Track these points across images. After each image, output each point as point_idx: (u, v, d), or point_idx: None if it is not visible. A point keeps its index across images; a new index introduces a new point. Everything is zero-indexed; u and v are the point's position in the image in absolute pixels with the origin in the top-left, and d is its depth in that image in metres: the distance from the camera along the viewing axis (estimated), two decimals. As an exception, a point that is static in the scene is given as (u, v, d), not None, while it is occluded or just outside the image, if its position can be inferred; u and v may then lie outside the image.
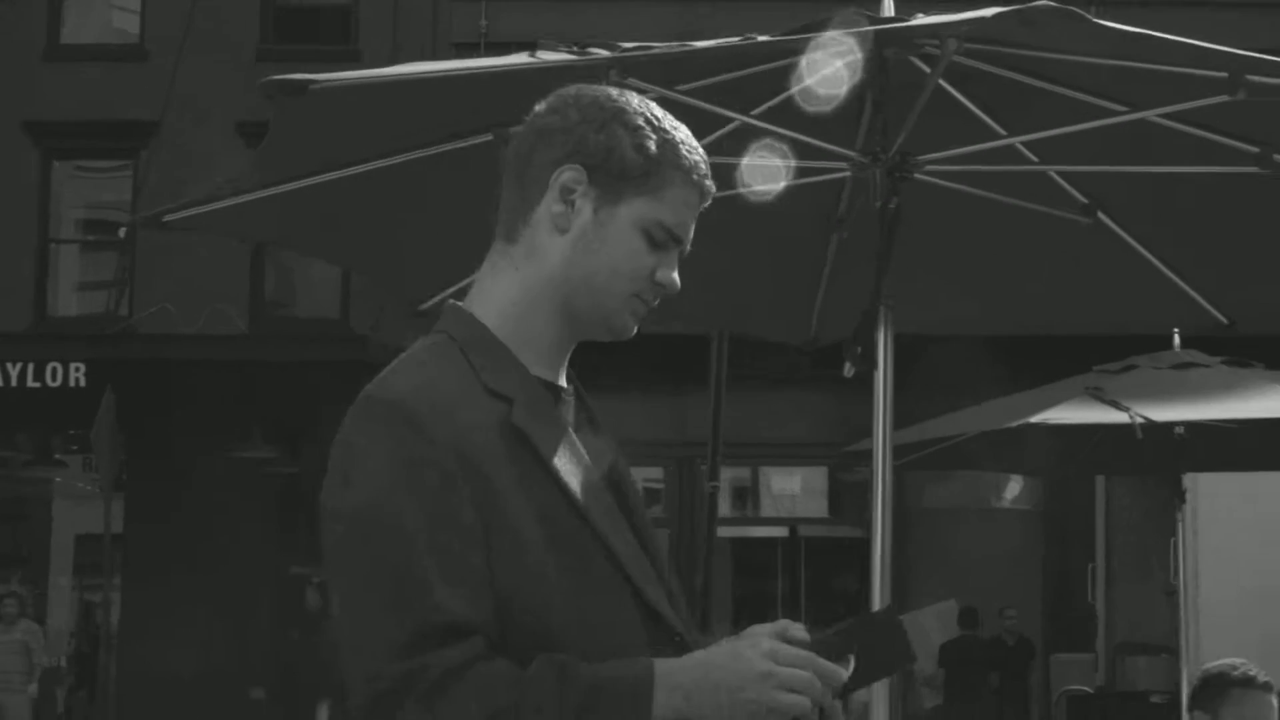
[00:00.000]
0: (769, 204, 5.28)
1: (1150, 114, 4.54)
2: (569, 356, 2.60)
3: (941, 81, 4.83)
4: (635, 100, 2.55)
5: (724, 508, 22.87)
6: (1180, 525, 9.70)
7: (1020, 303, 5.96)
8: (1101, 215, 5.34)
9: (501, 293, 2.54)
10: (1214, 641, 14.34)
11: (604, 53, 4.18)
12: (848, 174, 4.89)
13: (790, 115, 4.88)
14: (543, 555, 2.34)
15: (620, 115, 2.53)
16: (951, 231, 5.41)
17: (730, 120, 4.85)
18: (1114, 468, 12.67)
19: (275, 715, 20.39)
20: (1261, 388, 8.52)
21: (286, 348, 19.69)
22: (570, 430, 2.51)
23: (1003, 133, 4.96)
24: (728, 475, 22.76)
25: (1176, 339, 9.23)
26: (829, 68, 4.71)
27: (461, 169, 4.93)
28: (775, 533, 23.12)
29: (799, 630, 2.39)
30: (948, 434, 8.94)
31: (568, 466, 2.43)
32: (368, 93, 4.46)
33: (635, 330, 2.57)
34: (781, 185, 5.08)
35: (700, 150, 2.56)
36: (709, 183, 2.56)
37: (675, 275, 2.56)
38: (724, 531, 22.94)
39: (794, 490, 23.10)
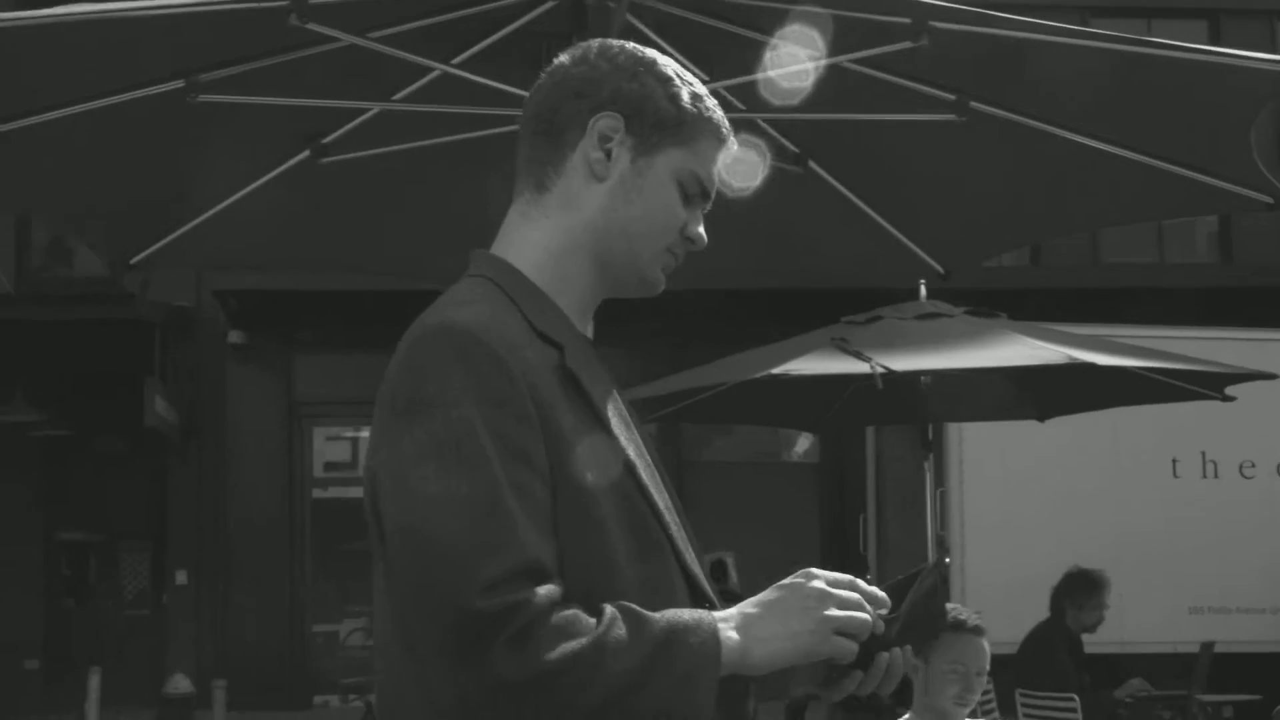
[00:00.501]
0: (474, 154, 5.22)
1: (842, 59, 4.55)
2: (590, 319, 2.54)
3: (647, 30, 4.81)
4: (661, 56, 2.51)
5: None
6: (928, 474, 9.81)
7: (737, 256, 5.94)
8: (813, 164, 5.35)
9: (536, 240, 2.47)
10: (979, 589, 14.64)
11: (284, -1, 4.06)
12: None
13: (494, 63, 4.81)
14: (606, 507, 2.27)
15: (651, 66, 2.48)
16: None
17: (430, 69, 4.76)
18: (864, 418, 12.82)
19: (48, 685, 19.98)
20: (1002, 337, 8.63)
21: (54, 308, 19.18)
22: (612, 384, 2.45)
23: (705, 78, 4.93)
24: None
25: (923, 290, 9.33)
26: (531, 14, 4.66)
27: (155, 118, 4.79)
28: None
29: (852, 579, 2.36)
30: (697, 386, 8.94)
31: (615, 419, 2.36)
32: (47, 34, 4.28)
33: (663, 287, 2.52)
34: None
35: (720, 108, 2.53)
36: (733, 140, 2.53)
37: (703, 230, 2.51)
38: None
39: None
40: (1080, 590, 10.19)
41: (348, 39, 4.27)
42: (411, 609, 2.19)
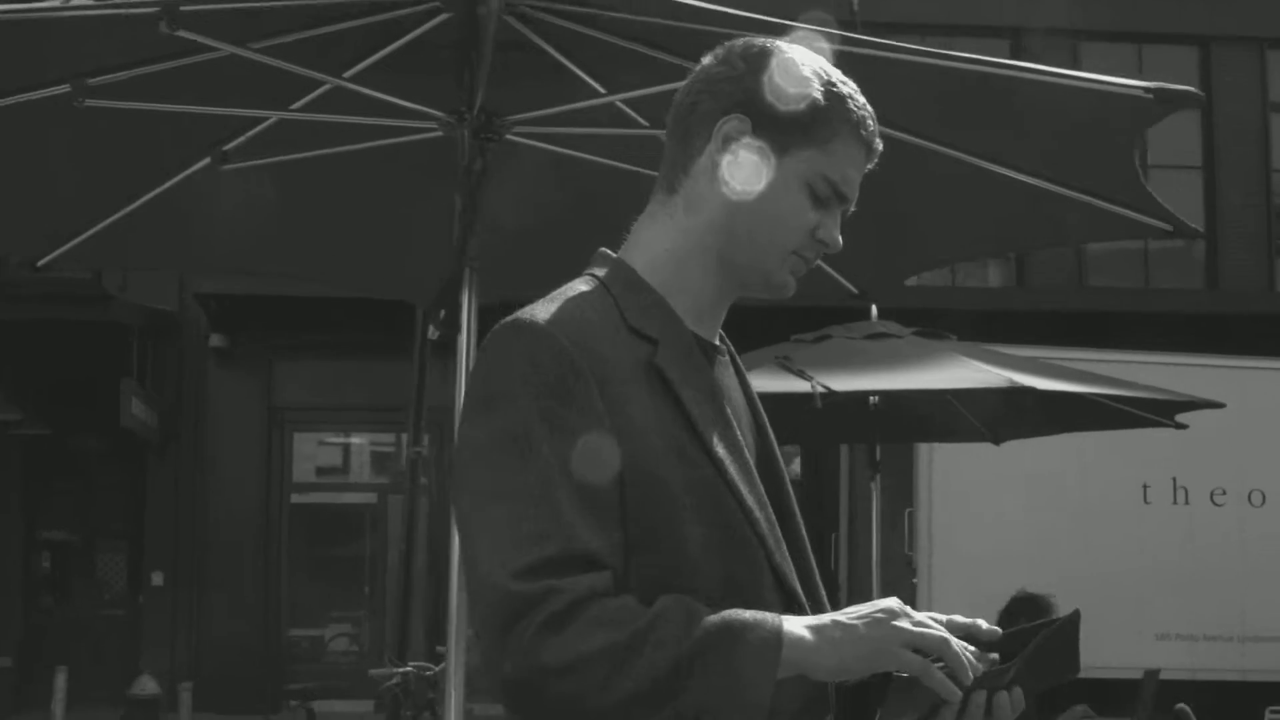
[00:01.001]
0: (381, 165, 5.20)
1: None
2: (724, 316, 2.51)
3: (544, 44, 4.79)
4: (804, 52, 2.45)
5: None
6: (874, 494, 9.77)
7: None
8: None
9: (657, 240, 2.45)
10: (946, 610, 14.58)
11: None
12: (439, 134, 4.78)
13: (388, 74, 4.79)
14: (682, 502, 2.25)
15: (790, 65, 2.43)
16: (571, 195, 5.36)
17: (321, 83, 4.74)
18: (820, 437, 12.80)
19: (21, 683, 19.97)
20: (947, 359, 8.60)
21: (32, 308, 19.19)
22: (716, 383, 2.42)
23: (602, 90, 4.91)
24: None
25: (874, 309, 9.31)
26: (424, 26, 4.63)
27: (46, 122, 4.77)
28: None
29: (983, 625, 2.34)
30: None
31: (706, 415, 2.33)
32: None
33: (793, 290, 2.48)
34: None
35: (869, 108, 2.45)
36: (877, 141, 2.47)
37: (838, 235, 2.47)
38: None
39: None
40: (1025, 614, 10.10)
41: (226, 48, 4.25)
42: (469, 590, 2.21)
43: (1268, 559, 15.74)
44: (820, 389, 7.94)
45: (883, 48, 4.24)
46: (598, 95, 4.92)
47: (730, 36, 4.32)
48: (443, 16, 4.61)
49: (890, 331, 8.96)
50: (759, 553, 2.34)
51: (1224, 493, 15.78)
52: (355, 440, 21.92)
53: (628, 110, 5.10)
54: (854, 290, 5.88)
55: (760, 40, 2.47)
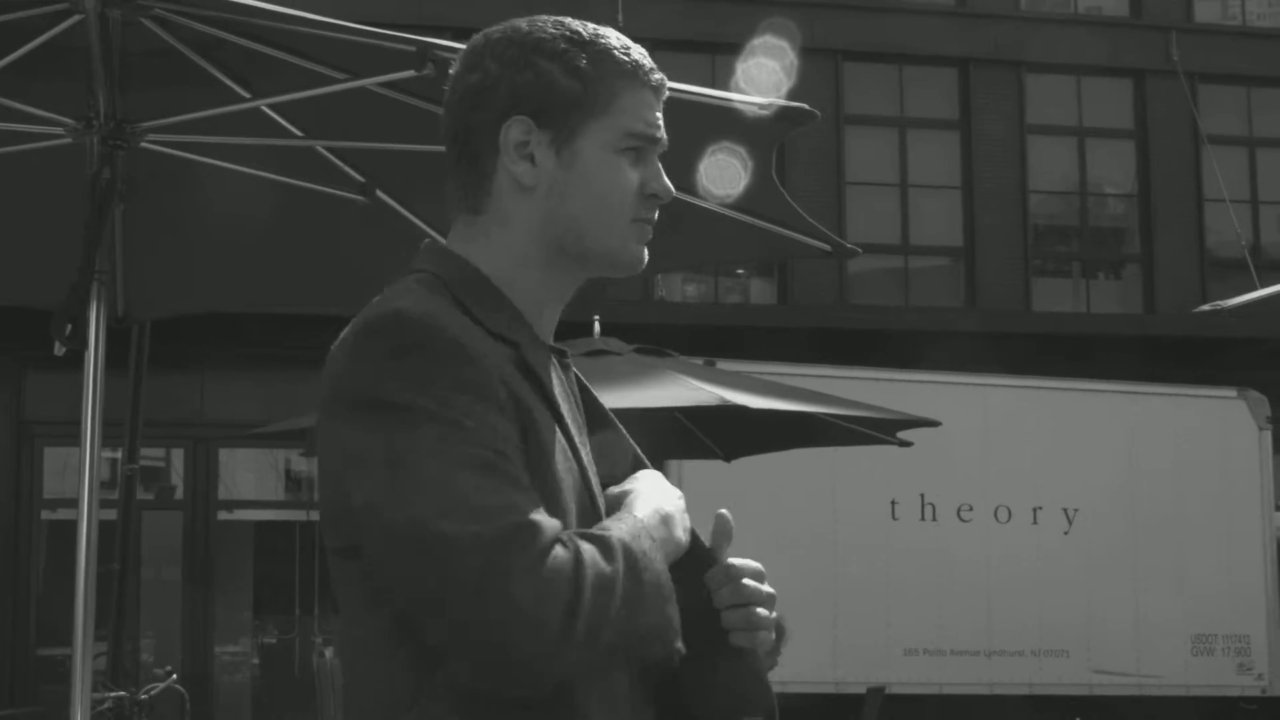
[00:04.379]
0: (21, 170, 5.00)
1: (366, 83, 4.42)
2: (557, 319, 2.38)
3: (181, 47, 4.64)
4: (548, 24, 2.31)
5: (248, 490, 22.48)
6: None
7: (297, 280, 5.78)
8: (381, 194, 5.20)
9: (480, 255, 2.30)
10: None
11: None
12: (68, 141, 4.60)
13: (20, 79, 4.60)
14: (568, 501, 2.18)
15: (539, 46, 2.29)
16: (220, 206, 5.21)
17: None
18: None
19: None
20: (664, 377, 8.58)
21: None
22: (567, 385, 2.34)
23: (247, 96, 4.77)
24: (250, 456, 22.35)
25: (596, 326, 9.25)
26: (56, 28, 4.45)
27: None
28: (294, 516, 22.83)
29: None
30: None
31: (570, 414, 2.27)
32: None
33: (645, 260, 2.34)
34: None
35: (637, 47, 2.33)
36: (657, 74, 2.33)
37: (666, 180, 2.33)
38: (246, 515, 22.58)
39: (311, 473, 22.81)
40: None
41: None
42: (411, 588, 2.06)
43: (1013, 575, 16.01)
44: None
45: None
46: (243, 101, 4.78)
47: (376, 47, 4.24)
48: (76, 18, 4.43)
49: (610, 349, 8.92)
50: None
51: (971, 509, 16.01)
52: (108, 455, 21.40)
53: (281, 120, 4.96)
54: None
55: (497, 30, 2.35)
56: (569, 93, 2.29)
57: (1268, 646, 16.82)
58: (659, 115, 2.34)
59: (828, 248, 4.88)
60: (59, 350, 4.28)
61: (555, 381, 2.29)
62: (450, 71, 2.35)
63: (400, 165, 5.17)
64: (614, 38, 2.35)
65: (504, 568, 1.99)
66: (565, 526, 2.12)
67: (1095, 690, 16.01)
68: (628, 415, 9.15)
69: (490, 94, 2.29)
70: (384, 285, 5.87)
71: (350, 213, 5.21)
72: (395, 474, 2.06)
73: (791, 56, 19.57)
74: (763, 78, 19.13)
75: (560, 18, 2.34)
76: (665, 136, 2.35)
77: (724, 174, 4.70)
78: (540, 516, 2.04)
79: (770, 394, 8.92)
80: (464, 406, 2.08)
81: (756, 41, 19.97)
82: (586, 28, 2.34)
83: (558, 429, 2.21)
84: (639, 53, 2.35)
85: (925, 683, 15.67)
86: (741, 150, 4.40)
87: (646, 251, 2.35)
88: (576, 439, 2.26)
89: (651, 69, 2.35)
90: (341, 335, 2.22)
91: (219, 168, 4.95)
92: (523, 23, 2.35)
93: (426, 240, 2.38)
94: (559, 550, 2.03)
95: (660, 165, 2.34)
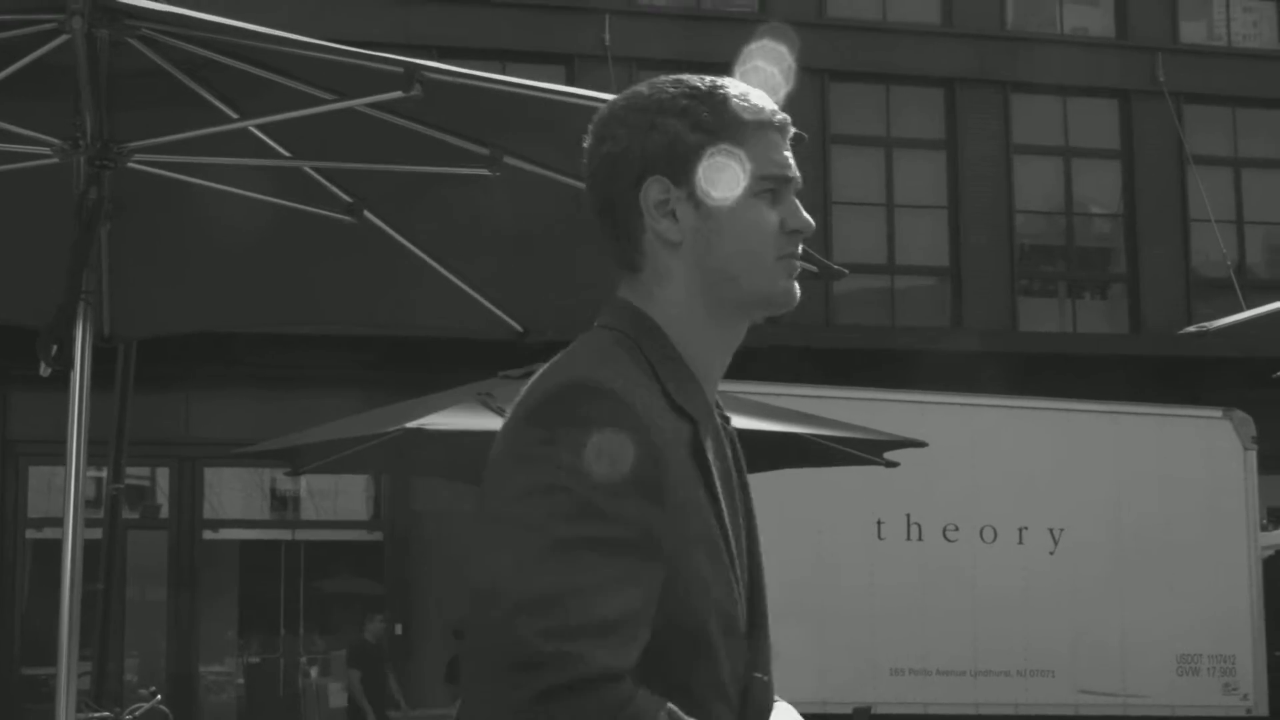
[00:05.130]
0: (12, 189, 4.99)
1: (354, 103, 4.41)
2: (727, 364, 2.46)
3: (174, 70, 4.63)
4: (667, 84, 2.40)
5: (233, 509, 22.44)
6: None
7: (284, 300, 5.78)
8: (369, 215, 5.20)
9: (654, 310, 2.38)
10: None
11: None
12: (55, 161, 4.60)
13: (8, 98, 4.60)
14: (711, 593, 2.24)
15: (662, 106, 2.37)
16: (207, 226, 5.20)
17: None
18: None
19: None
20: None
21: None
22: (729, 466, 2.38)
23: (235, 116, 4.77)
24: (236, 475, 22.31)
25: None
26: (44, 47, 4.45)
27: None
28: (280, 535, 22.79)
29: None
30: (339, 438, 8.76)
31: (730, 505, 2.33)
32: None
33: (798, 294, 2.42)
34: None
35: (756, 90, 2.41)
36: (779, 115, 2.41)
37: (804, 214, 2.41)
38: (232, 534, 22.53)
39: (297, 493, 22.78)
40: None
41: None
42: (477, 644, 2.12)
43: (999, 595, 16.01)
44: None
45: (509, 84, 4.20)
46: (230, 122, 4.77)
47: (364, 68, 4.24)
48: (63, 38, 4.43)
49: (598, 368, 8.91)
50: (742, 653, 2.33)
51: (956, 529, 16.02)
52: (93, 474, 21.36)
53: (268, 140, 4.96)
54: (518, 328, 5.79)
55: (621, 98, 2.43)
56: (697, 146, 2.36)
57: (1253, 667, 16.83)
58: (788, 153, 2.41)
59: (814, 269, 4.89)
60: (45, 371, 4.27)
61: (722, 464, 2.33)
62: (585, 146, 2.42)
63: (388, 186, 5.17)
64: (732, 86, 2.40)
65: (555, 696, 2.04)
66: (699, 623, 2.21)
67: (1081, 710, 16.01)
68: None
69: (624, 160, 2.37)
70: (370, 306, 5.86)
71: (338, 233, 5.21)
72: (529, 554, 2.10)
73: (779, 78, 19.59)
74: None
75: (679, 76, 2.42)
76: (798, 174, 2.41)
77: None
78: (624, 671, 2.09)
79: (756, 415, 8.92)
80: (625, 511, 2.12)
81: (744, 65, 19.98)
82: (704, 81, 2.41)
83: (715, 509, 2.27)
84: (759, 96, 2.42)
85: (911, 703, 15.67)
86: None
87: (798, 286, 2.43)
88: (731, 532, 2.31)
89: (774, 111, 2.41)
90: (530, 385, 2.26)
91: (206, 188, 4.94)
92: (643, 87, 2.42)
93: (618, 295, 2.41)
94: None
95: (797, 200, 2.41)
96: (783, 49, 19.91)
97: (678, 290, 2.38)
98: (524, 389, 2.27)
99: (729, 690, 2.28)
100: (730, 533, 2.30)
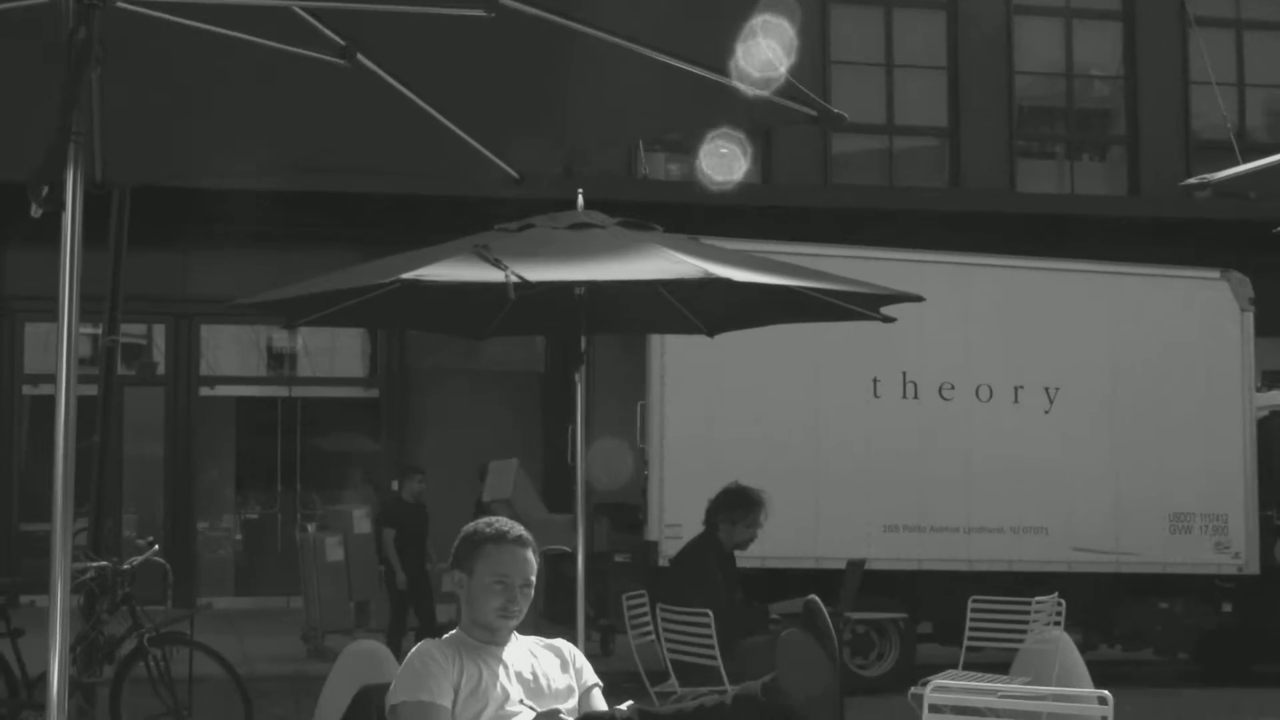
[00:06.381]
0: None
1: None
2: None
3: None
4: None
5: (230, 366, 22.45)
6: (578, 386, 9.64)
7: (276, 145, 5.71)
8: (362, 59, 5.13)
9: None
10: (677, 502, 14.65)
11: None
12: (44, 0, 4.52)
13: None
14: None
15: None
16: (199, 71, 5.13)
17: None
18: (528, 328, 12.69)
19: None
20: (648, 250, 8.50)
21: None
22: None
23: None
24: (232, 332, 22.30)
25: (580, 198, 9.17)
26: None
27: None
28: (276, 392, 22.82)
29: None
30: (334, 290, 8.69)
31: None
32: None
33: None
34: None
35: None
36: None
37: None
38: (228, 391, 22.56)
39: (293, 350, 22.79)
40: (734, 507, 10.16)
41: None
42: None
43: (994, 453, 16.07)
44: (514, 279, 7.80)
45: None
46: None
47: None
48: None
49: (594, 222, 8.83)
50: None
51: (952, 388, 16.04)
52: (88, 330, 21.36)
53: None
54: (515, 175, 5.74)
55: None
56: None
57: (1245, 526, 16.92)
58: None
59: (813, 113, 4.83)
60: (36, 212, 4.22)
61: None
62: None
63: (382, 28, 5.08)
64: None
65: None
66: None
67: (1074, 567, 16.12)
68: (611, 288, 9.13)
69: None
70: (364, 151, 5.81)
71: (331, 77, 5.13)
72: None
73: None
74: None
75: None
76: None
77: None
78: None
79: (754, 268, 8.85)
80: None
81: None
82: None
83: None
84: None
85: (905, 559, 15.77)
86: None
87: None
88: None
89: None
90: None
91: (197, 31, 4.86)
92: None
93: None
94: None
95: None
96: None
97: None
98: None
99: None
100: None
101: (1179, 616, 17.19)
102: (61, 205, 4.34)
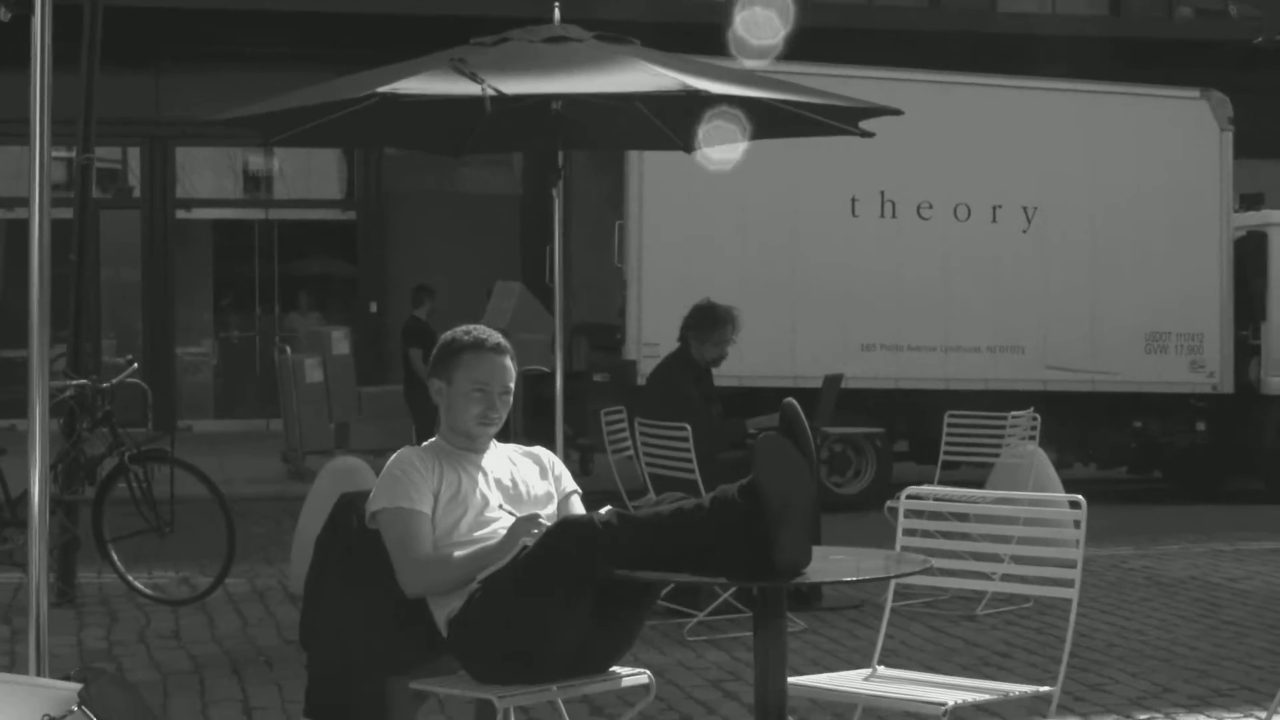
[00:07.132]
0: None
1: None
2: None
3: None
4: None
5: (206, 188, 22.33)
6: (555, 200, 9.58)
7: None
8: None
9: None
10: (656, 319, 14.67)
11: None
12: None
13: None
14: None
15: None
16: None
17: None
18: (505, 143, 12.64)
19: None
20: (625, 64, 8.42)
21: None
22: None
23: None
24: (208, 154, 22.15)
25: (557, 13, 9.07)
26: None
27: None
28: (253, 215, 22.72)
29: None
30: (306, 105, 8.61)
31: None
32: None
33: None
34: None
35: None
36: None
37: None
38: (205, 214, 22.46)
39: (269, 172, 22.66)
40: (703, 324, 10.13)
41: None
42: None
43: (971, 272, 16.11)
44: (490, 92, 7.73)
45: None
46: None
47: None
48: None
49: (570, 35, 8.74)
50: None
51: (930, 207, 16.03)
52: (61, 154, 21.20)
53: None
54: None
55: None
56: None
57: (1220, 346, 17.02)
58: None
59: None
60: (4, 15, 4.18)
61: None
62: None
63: None
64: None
65: None
66: None
67: (1049, 385, 16.21)
68: (588, 101, 9.06)
69: None
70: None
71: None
72: None
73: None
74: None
75: None
76: None
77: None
78: None
79: (733, 81, 8.78)
80: None
81: None
82: None
83: None
84: None
85: (882, 377, 15.85)
86: None
87: None
88: None
89: None
90: None
91: None
92: None
93: None
94: None
95: None
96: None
97: None
98: None
99: None
100: None
101: (1153, 435, 17.35)
102: (30, 9, 4.28)
